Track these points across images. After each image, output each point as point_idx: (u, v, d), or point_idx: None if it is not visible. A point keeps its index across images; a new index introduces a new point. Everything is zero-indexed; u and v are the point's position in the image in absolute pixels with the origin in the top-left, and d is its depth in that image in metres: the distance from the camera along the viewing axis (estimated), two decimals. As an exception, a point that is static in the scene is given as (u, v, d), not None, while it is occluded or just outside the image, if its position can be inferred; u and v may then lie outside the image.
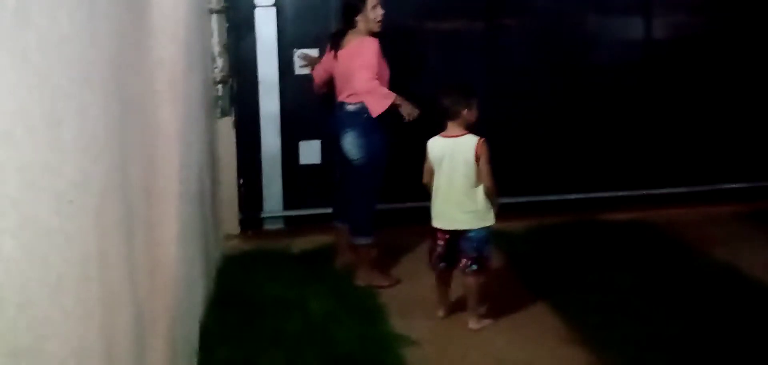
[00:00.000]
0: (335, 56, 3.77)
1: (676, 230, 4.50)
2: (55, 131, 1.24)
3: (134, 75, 1.97)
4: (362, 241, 3.76)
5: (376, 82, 3.58)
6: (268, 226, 4.71)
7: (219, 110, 4.41)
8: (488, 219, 3.24)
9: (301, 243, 4.31)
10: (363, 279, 3.74)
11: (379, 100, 3.59)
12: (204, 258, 3.34)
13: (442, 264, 3.33)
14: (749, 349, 2.99)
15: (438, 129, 3.32)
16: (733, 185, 5.13)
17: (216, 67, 4.37)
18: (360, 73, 3.57)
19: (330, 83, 3.89)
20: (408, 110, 3.67)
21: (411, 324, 3.29)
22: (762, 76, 5.13)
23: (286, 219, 4.74)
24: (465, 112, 3.20)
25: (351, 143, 3.69)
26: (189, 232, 2.85)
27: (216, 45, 4.37)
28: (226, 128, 4.48)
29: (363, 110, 3.64)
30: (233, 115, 4.50)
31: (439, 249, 3.31)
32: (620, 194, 4.99)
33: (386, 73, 3.70)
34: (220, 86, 4.42)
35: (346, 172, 3.78)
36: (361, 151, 3.68)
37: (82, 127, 1.39)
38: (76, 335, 1.33)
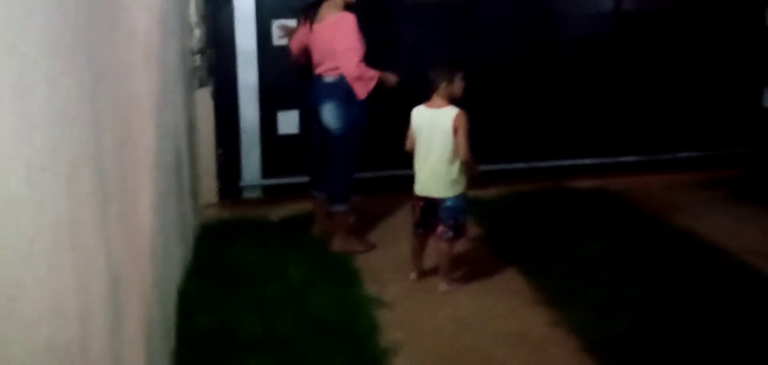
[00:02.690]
0: (311, 29, 3.77)
1: (639, 197, 4.65)
2: (23, 101, 1.27)
3: (106, 45, 1.99)
4: (339, 208, 3.83)
5: (363, 65, 3.62)
6: (247, 195, 4.76)
7: (197, 81, 4.42)
8: (458, 188, 3.31)
9: (279, 211, 4.38)
10: (339, 245, 3.81)
11: (366, 84, 3.66)
12: (181, 227, 3.39)
13: (419, 230, 3.42)
14: (707, 310, 3.12)
15: (415, 100, 3.39)
16: (694, 154, 5.29)
17: (193, 38, 4.37)
18: (347, 56, 3.59)
19: (307, 54, 3.91)
20: (391, 81, 3.79)
21: (384, 288, 3.41)
22: (721, 49, 5.25)
23: (265, 188, 4.80)
24: (444, 84, 3.26)
25: (330, 114, 3.73)
26: (166, 201, 2.89)
27: (193, 15, 4.36)
28: (204, 98, 4.49)
29: (341, 82, 3.67)
30: (211, 85, 4.52)
31: (415, 216, 3.41)
32: (587, 161, 5.12)
33: (363, 47, 3.70)
34: (197, 57, 4.42)
35: (325, 142, 3.82)
36: (340, 122, 3.72)
37: (51, 96, 1.42)
38: (49, 298, 1.38)
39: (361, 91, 3.66)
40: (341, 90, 3.68)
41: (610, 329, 2.97)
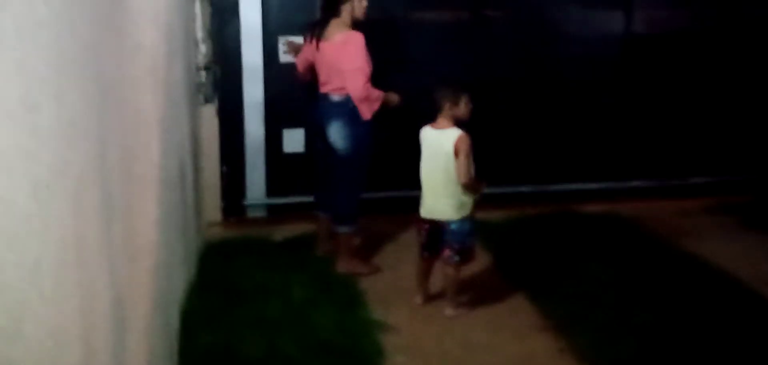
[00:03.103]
0: (317, 47, 3.72)
1: (647, 222, 4.62)
2: (32, 117, 1.25)
3: (113, 60, 1.97)
4: (345, 229, 3.79)
5: (370, 86, 3.59)
6: (251, 214, 4.72)
7: (202, 97, 4.40)
8: (464, 212, 3.27)
9: (284, 231, 4.34)
10: (343, 266, 3.77)
11: (371, 104, 3.62)
12: (185, 245, 3.36)
13: (425, 253, 3.38)
14: (714, 337, 3.08)
15: (420, 119, 3.36)
16: (703, 179, 5.26)
17: (199, 54, 4.36)
18: (355, 77, 3.54)
19: (313, 72, 3.87)
20: (394, 101, 3.76)
21: (389, 311, 3.36)
22: (731, 74, 5.24)
23: (269, 207, 4.75)
24: (448, 106, 3.23)
25: (337, 134, 3.68)
26: (170, 219, 2.87)
27: (199, 31, 4.35)
28: (210, 114, 4.47)
29: (348, 102, 3.64)
30: (216, 102, 4.50)
31: (421, 238, 3.37)
32: (595, 186, 5.09)
33: (370, 67, 3.65)
34: (203, 73, 4.40)
35: (331, 162, 3.77)
36: (347, 142, 3.67)
37: (59, 112, 1.40)
38: (54, 317, 1.35)
39: (367, 111, 3.63)
40: (348, 110, 3.64)
41: (617, 354, 2.94)
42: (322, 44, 3.69)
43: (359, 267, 3.80)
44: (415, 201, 3.40)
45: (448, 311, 3.35)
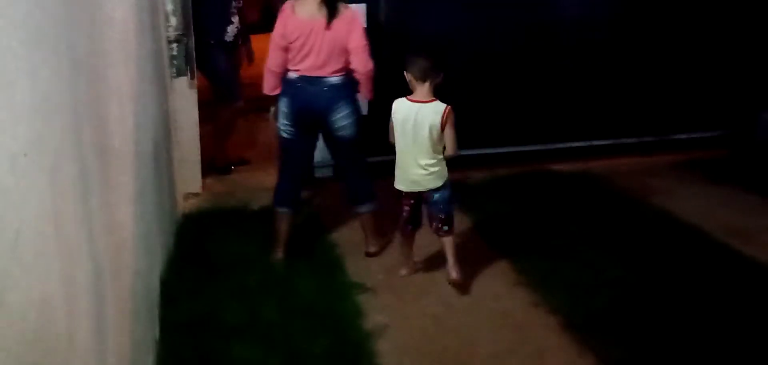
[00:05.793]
0: (329, 26, 3.30)
1: (618, 180, 4.72)
2: (6, 92, 1.27)
3: (84, 35, 1.98)
4: (371, 207, 3.63)
5: None
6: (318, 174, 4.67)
7: (174, 70, 4.37)
8: (442, 179, 3.24)
9: (261, 201, 4.36)
10: (375, 245, 3.66)
11: (372, 83, 3.46)
12: (162, 216, 3.38)
13: (408, 228, 3.37)
14: (683, 288, 3.20)
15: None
16: (673, 137, 5.39)
17: (170, 26, 4.32)
18: (366, 54, 3.35)
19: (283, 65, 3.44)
20: None
21: (367, 274, 3.43)
22: (701, 33, 5.32)
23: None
24: (432, 78, 3.11)
25: (347, 115, 3.39)
26: (146, 191, 2.88)
27: (168, 3, 4.31)
28: (183, 87, 4.45)
29: (348, 81, 3.41)
30: (189, 74, 4.48)
31: (405, 214, 3.33)
32: (568, 145, 5.19)
33: None
34: (174, 45, 4.37)
35: (340, 149, 3.53)
36: (355, 119, 3.44)
37: (33, 87, 1.42)
38: (36, 288, 1.39)
39: (370, 92, 3.47)
40: (350, 89, 3.40)
41: (590, 307, 3.04)
42: (334, 23, 3.31)
43: (381, 241, 3.71)
44: (386, 166, 3.35)
45: (454, 274, 3.24)
